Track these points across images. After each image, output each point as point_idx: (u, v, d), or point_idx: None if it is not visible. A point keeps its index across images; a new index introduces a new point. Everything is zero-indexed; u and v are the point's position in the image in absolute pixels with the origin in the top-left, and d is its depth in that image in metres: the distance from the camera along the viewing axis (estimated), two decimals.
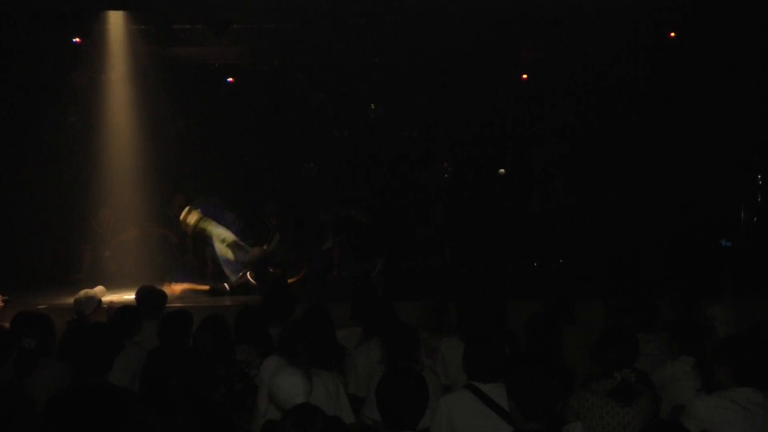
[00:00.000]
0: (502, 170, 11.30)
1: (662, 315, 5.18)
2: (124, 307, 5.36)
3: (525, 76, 11.66)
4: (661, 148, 10.00)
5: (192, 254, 10.55)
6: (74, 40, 9.86)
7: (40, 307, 7.02)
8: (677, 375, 4.27)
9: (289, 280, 9.03)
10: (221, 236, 8.77)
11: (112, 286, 7.76)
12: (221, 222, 8.91)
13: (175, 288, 8.87)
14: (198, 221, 8.89)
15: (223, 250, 8.77)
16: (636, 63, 10.12)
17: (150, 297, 5.82)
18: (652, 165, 10.20)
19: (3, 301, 6.69)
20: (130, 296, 7.10)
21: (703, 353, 4.24)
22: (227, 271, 8.81)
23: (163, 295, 5.94)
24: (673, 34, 10.09)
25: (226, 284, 8.79)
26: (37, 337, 4.31)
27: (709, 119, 9.78)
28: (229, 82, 11.65)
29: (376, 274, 10.15)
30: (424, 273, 10.30)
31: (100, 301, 5.80)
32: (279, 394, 3.45)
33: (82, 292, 5.80)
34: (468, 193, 11.70)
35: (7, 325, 4.76)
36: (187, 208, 9.02)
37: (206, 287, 8.85)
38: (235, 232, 8.90)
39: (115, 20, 9.59)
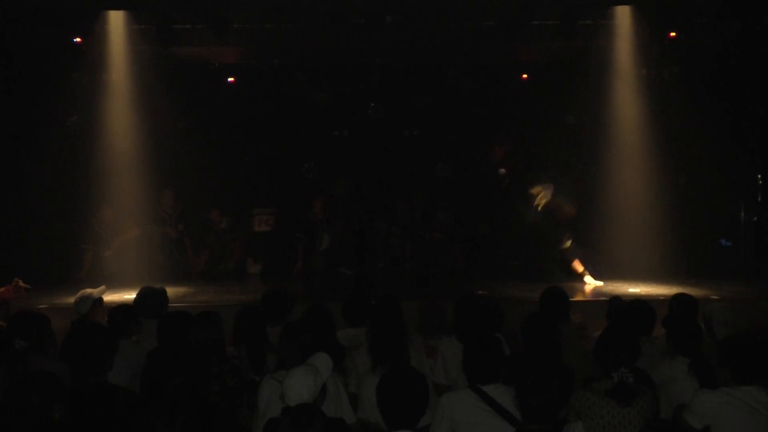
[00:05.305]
0: (502, 170, 11.26)
1: (660, 315, 5.17)
2: (118, 307, 5.32)
3: (525, 75, 11.67)
4: (661, 147, 9.99)
5: (191, 253, 10.58)
6: (75, 40, 9.87)
7: (40, 307, 7.01)
8: (676, 375, 4.27)
9: None
10: None
11: (113, 285, 7.75)
12: None
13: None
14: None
15: None
16: (635, 63, 10.12)
17: (151, 297, 5.73)
18: (652, 164, 10.17)
19: (24, 290, 6.58)
20: (130, 296, 7.09)
21: (698, 354, 4.25)
22: None
23: (164, 295, 5.83)
24: (673, 34, 10.09)
25: None
26: (30, 338, 4.20)
27: (708, 119, 9.76)
28: (230, 82, 11.65)
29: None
30: (432, 273, 10.32)
31: (97, 300, 5.76)
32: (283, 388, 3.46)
33: (80, 292, 5.79)
34: (469, 193, 11.69)
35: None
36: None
37: None
38: None
39: (116, 20, 9.61)
